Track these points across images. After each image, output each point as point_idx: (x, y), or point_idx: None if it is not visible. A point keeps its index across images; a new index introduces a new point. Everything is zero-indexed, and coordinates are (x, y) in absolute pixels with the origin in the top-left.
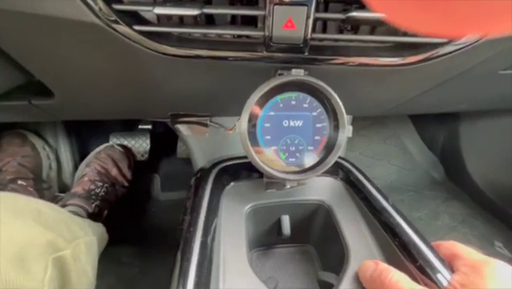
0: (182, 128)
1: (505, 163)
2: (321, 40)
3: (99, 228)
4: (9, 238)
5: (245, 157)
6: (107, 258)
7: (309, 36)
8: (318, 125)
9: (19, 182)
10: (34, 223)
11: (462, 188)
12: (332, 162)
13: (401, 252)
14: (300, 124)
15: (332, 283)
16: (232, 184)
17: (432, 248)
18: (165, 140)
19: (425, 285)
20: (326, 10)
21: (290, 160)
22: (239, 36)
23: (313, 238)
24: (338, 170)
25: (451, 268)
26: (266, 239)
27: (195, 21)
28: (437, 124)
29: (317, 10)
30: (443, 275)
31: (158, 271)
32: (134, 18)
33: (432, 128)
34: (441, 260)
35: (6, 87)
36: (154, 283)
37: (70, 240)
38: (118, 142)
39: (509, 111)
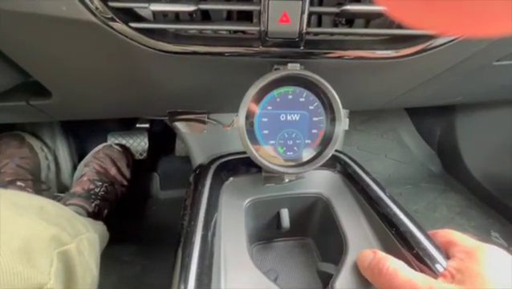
0: (180, 126)
1: (502, 154)
2: (316, 34)
3: (99, 226)
4: (14, 232)
5: (244, 153)
6: (108, 258)
7: (304, 30)
8: (315, 119)
9: (18, 184)
10: (38, 218)
11: (459, 180)
12: (329, 155)
13: (398, 241)
14: (297, 118)
15: (331, 273)
16: (231, 179)
17: (428, 236)
18: (163, 139)
19: (422, 272)
20: (320, 4)
21: (288, 154)
22: (235, 32)
23: (312, 231)
24: (335, 163)
25: (447, 255)
26: (265, 233)
27: (191, 17)
28: (434, 117)
29: (311, 3)
30: (439, 262)
31: (160, 269)
32: (130, 16)
33: (429, 122)
34: (437, 248)
35: (3, 88)
36: (156, 280)
37: (73, 235)
38: (116, 141)
39: (505, 102)
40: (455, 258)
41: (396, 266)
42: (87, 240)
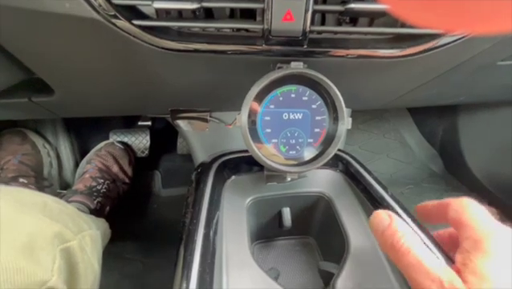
0: (182, 124)
1: (504, 155)
2: (320, 33)
3: (102, 223)
4: (18, 229)
5: (246, 151)
6: (110, 255)
7: (308, 29)
8: (317, 118)
9: (20, 180)
10: (41, 215)
11: (461, 180)
12: (332, 154)
13: None
14: (300, 117)
15: (333, 273)
16: (233, 177)
17: (431, 237)
18: (165, 137)
19: None
20: (324, 2)
21: (291, 152)
22: (238, 30)
23: (313, 230)
24: (337, 162)
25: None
26: (267, 231)
27: (194, 15)
28: (436, 117)
29: (316, 2)
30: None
31: (161, 266)
32: (133, 13)
33: (431, 122)
34: (440, 248)
35: (6, 84)
36: (157, 278)
37: (76, 232)
38: (118, 139)
39: (507, 102)
40: (461, 249)
41: (409, 244)
42: (89, 237)
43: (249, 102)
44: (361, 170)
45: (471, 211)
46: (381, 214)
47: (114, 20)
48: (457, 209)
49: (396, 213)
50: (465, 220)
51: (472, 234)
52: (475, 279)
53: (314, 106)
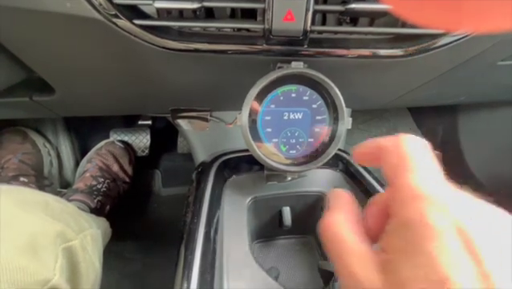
0: (183, 123)
1: (504, 155)
2: (320, 32)
3: (102, 222)
4: (20, 228)
5: (246, 150)
6: (110, 254)
7: (308, 28)
8: (318, 117)
9: (21, 179)
10: (44, 215)
11: (461, 180)
12: (332, 154)
13: None
14: (300, 117)
15: (333, 272)
16: (233, 177)
17: None
18: (165, 136)
19: None
20: (325, 2)
21: (291, 152)
22: (239, 29)
23: (313, 229)
24: (337, 162)
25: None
26: (267, 231)
27: (195, 14)
28: (436, 117)
29: (316, 2)
30: None
31: (161, 266)
32: (134, 13)
33: (431, 121)
34: None
35: (7, 84)
36: (157, 278)
37: (77, 231)
38: (118, 138)
39: (508, 103)
40: (385, 231)
41: (338, 228)
42: (90, 236)
43: (249, 101)
44: (361, 170)
45: (410, 172)
46: (336, 192)
47: (115, 19)
48: (394, 163)
49: None
50: (398, 186)
51: (400, 213)
52: (390, 281)
53: (314, 106)
